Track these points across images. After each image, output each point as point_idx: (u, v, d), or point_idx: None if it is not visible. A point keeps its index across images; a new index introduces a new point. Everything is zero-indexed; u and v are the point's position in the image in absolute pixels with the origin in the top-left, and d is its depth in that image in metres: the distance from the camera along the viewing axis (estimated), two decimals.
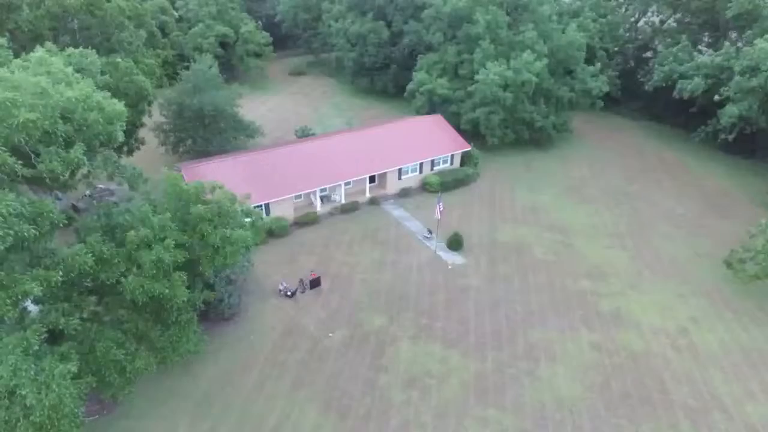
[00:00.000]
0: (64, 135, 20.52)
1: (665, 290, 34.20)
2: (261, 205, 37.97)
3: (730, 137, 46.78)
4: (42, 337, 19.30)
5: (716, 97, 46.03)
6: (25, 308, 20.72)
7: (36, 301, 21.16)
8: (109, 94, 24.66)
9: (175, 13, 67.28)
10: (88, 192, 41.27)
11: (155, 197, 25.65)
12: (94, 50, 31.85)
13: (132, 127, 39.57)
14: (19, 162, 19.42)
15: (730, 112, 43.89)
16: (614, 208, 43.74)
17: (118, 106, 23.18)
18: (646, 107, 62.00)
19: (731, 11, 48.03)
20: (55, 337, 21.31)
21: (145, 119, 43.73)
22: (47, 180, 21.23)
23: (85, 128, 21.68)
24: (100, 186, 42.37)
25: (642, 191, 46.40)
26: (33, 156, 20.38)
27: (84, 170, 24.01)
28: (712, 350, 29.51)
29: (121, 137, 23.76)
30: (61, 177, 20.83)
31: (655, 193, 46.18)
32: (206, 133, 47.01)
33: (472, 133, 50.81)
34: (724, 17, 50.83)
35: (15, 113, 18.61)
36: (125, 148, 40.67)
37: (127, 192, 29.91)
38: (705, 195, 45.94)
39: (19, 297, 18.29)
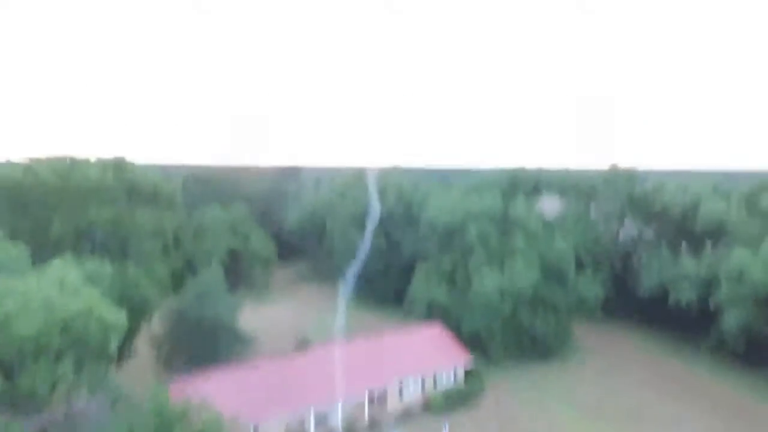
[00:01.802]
0: (56, 349, 20.14)
1: None
2: (250, 426, 34.82)
3: (739, 347, 45.67)
4: None
5: (711, 304, 46.57)
6: None
7: None
8: (113, 304, 25.06)
9: (191, 228, 72.67)
10: (63, 413, 38.25)
11: (138, 416, 23.70)
12: (108, 260, 33.54)
13: (128, 337, 39.00)
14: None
15: (729, 321, 43.86)
16: (630, 427, 40.16)
17: (120, 317, 23.33)
18: (645, 313, 62.27)
19: (701, 224, 51.84)
20: None
21: (144, 329, 43.40)
22: (23, 399, 19.94)
23: (80, 341, 21.40)
24: (79, 405, 39.56)
25: (654, 407, 43.26)
26: (15, 371, 19.60)
27: (66, 385, 22.78)
28: None
29: (114, 350, 23.31)
30: (39, 396, 19.61)
31: (668, 409, 42.98)
32: (202, 343, 46.06)
33: (473, 342, 49.89)
34: (696, 229, 54.46)
35: (13, 327, 18.60)
36: (116, 360, 39.33)
37: (107, 410, 27.79)
38: (722, 410, 42.62)
39: None
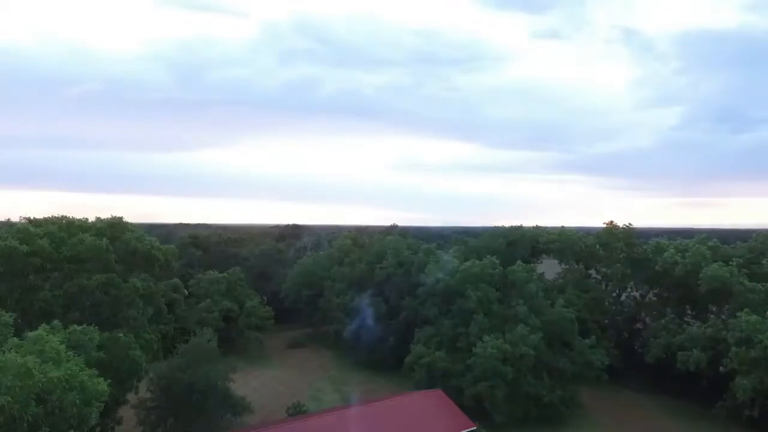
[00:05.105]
0: (31, 419, 19.02)
1: None
2: None
3: (755, 413, 43.54)
4: None
5: (721, 369, 44.89)
6: None
7: None
8: (96, 372, 23.99)
9: (186, 291, 71.65)
10: None
11: None
12: (97, 327, 32.50)
13: (113, 405, 37.20)
14: None
15: (742, 386, 41.96)
16: None
17: (101, 385, 22.30)
18: (654, 379, 59.78)
19: (703, 287, 51.10)
20: None
21: (130, 395, 41.55)
22: None
23: (57, 411, 20.28)
24: None
25: None
26: None
27: None
28: None
29: (94, 420, 22.10)
30: None
31: None
32: (191, 410, 44.00)
33: (475, 409, 47.58)
34: (699, 292, 53.64)
35: None
36: (98, 430, 37.29)
37: None
38: None
39: None
